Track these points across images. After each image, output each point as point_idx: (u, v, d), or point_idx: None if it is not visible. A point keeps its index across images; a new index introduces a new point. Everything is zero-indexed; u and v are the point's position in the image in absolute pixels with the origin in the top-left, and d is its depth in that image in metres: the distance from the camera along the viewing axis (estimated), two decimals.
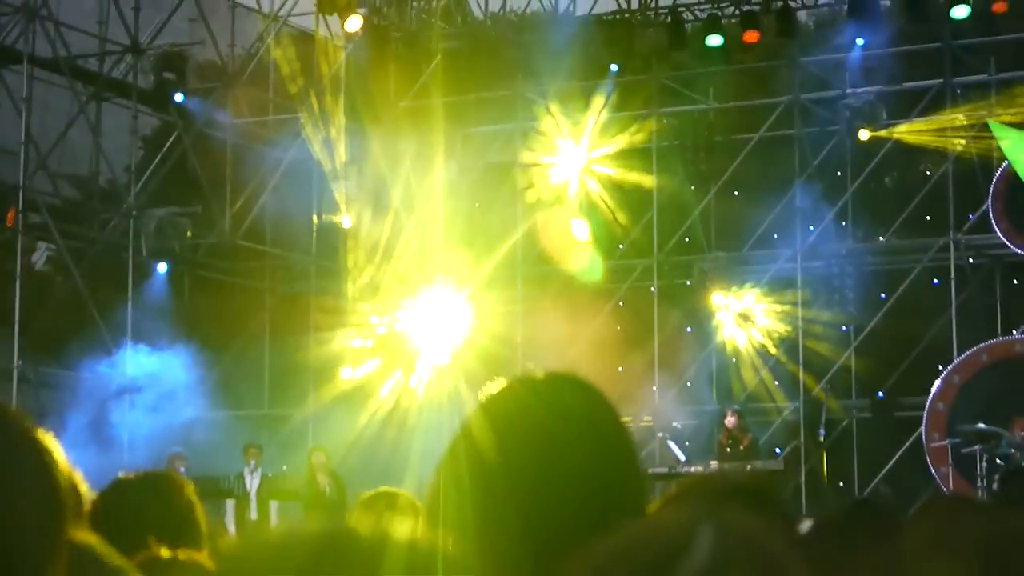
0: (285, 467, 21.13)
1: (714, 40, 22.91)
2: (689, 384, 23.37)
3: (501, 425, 2.27)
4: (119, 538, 2.58)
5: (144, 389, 21.10)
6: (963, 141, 21.80)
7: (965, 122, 21.93)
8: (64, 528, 1.68)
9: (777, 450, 21.78)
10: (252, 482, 19.87)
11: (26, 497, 1.63)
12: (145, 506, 3.62)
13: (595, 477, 2.23)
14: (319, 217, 24.33)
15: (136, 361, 21.24)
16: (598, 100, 23.79)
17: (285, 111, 24.19)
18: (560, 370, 2.39)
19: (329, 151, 23.79)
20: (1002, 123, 21.47)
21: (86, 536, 2.59)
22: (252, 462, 19.91)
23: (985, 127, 21.62)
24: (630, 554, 1.40)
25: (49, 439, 1.79)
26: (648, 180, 23.66)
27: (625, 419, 2.36)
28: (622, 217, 23.85)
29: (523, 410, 2.28)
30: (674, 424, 22.00)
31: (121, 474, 3.86)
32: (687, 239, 23.89)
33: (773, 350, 22.36)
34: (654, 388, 22.95)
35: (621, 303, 24.03)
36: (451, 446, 2.28)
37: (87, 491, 3.27)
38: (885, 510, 3.84)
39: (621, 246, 24.29)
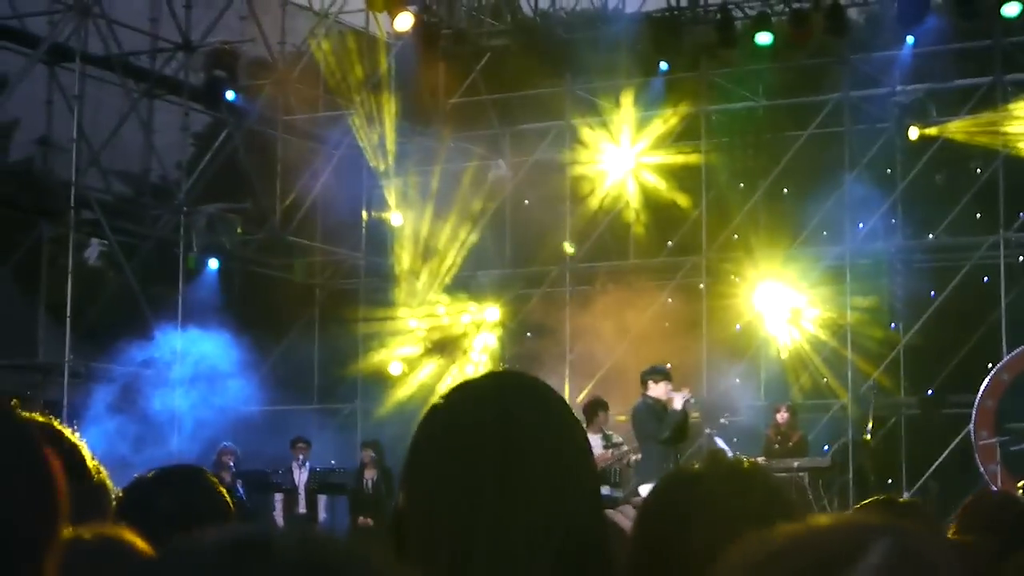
0: (333, 462, 21.23)
1: (763, 38, 22.86)
2: (738, 381, 23.34)
3: (453, 429, 2.29)
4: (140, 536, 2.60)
5: (178, 366, 21.10)
6: (1013, 138, 21.69)
7: (1015, 119, 21.81)
8: (55, 523, 1.65)
9: (825, 447, 21.72)
10: (300, 476, 20.00)
11: (10, 492, 1.61)
12: (160, 502, 3.61)
13: (549, 476, 2.24)
14: (368, 214, 24.43)
15: (183, 343, 21.33)
16: (647, 97, 23.79)
17: (335, 108, 24.30)
18: (509, 370, 2.40)
19: (378, 148, 23.89)
20: None
21: (116, 529, 2.60)
22: (300, 456, 20.05)
23: None
24: (794, 555, 1.39)
25: (66, 433, 1.77)
26: (697, 177, 23.66)
27: (573, 414, 2.37)
28: (670, 214, 23.84)
29: (474, 412, 2.29)
30: (722, 420, 21.95)
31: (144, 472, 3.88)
32: (736, 236, 23.87)
33: (821, 347, 22.31)
34: (703, 384, 22.91)
35: (670, 300, 24.03)
36: (408, 458, 2.31)
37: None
38: None
39: (670, 243, 24.30)
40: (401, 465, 2.21)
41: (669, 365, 17.46)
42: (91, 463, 3.08)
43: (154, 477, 3.76)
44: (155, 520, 3.35)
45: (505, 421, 2.26)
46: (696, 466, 2.68)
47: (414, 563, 2.21)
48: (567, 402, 2.42)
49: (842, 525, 1.42)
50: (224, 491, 3.76)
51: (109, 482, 3.16)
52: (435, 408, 2.33)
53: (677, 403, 16.55)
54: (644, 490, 15.45)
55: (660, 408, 16.57)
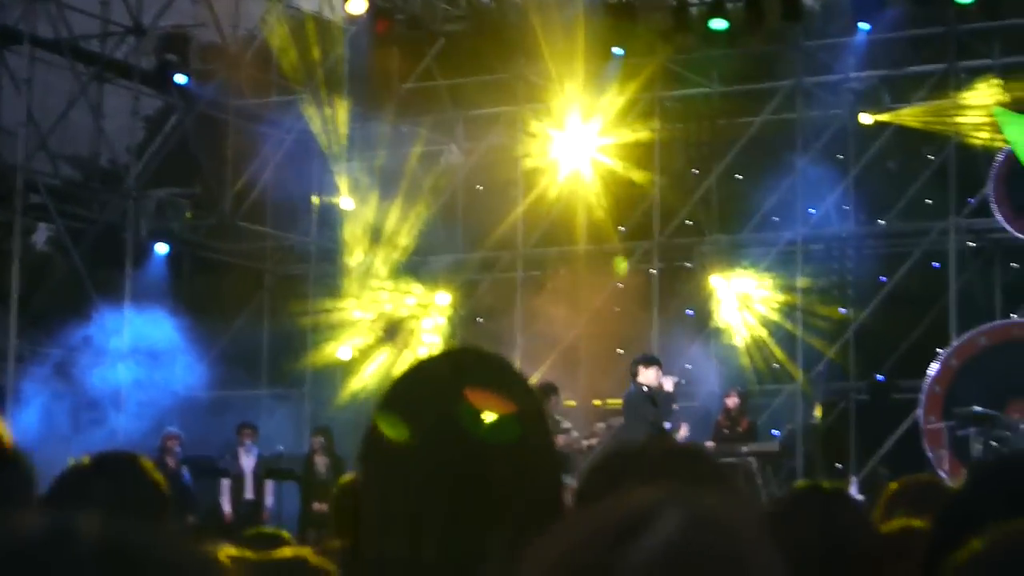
0: (281, 448, 21.18)
1: (718, 24, 22.89)
2: (689, 366, 23.34)
3: (408, 409, 2.26)
4: None
5: (118, 345, 21.02)
6: (965, 125, 21.73)
7: (968, 107, 21.84)
8: None
9: (775, 432, 21.73)
10: (247, 462, 19.94)
11: None
12: (95, 489, 3.58)
13: (508, 448, 2.22)
14: (320, 199, 24.36)
15: (130, 325, 21.25)
16: (601, 82, 23.75)
17: (287, 93, 24.22)
18: (465, 346, 2.39)
19: (330, 133, 23.82)
20: (1005, 108, 21.40)
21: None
22: (247, 442, 19.99)
23: (988, 112, 21.54)
24: (587, 528, 1.39)
25: None
26: (650, 162, 23.65)
27: (531, 388, 2.36)
28: (624, 199, 23.84)
29: (429, 391, 2.28)
30: (674, 406, 21.97)
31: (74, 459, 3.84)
32: (688, 221, 23.87)
33: (772, 332, 22.33)
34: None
35: (621, 285, 24.02)
36: (366, 435, 2.28)
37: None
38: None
39: (622, 228, 24.28)
40: (352, 451, 2.18)
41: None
42: (9, 446, 3.02)
43: (89, 464, 3.72)
44: (89, 508, 3.31)
45: (459, 398, 2.23)
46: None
47: (370, 542, 2.21)
48: (524, 375, 2.37)
49: (636, 498, 1.41)
50: (160, 478, 3.74)
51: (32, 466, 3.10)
52: (392, 386, 2.31)
53: (668, 386, 17.01)
54: None
55: (652, 393, 16.94)
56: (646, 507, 1.37)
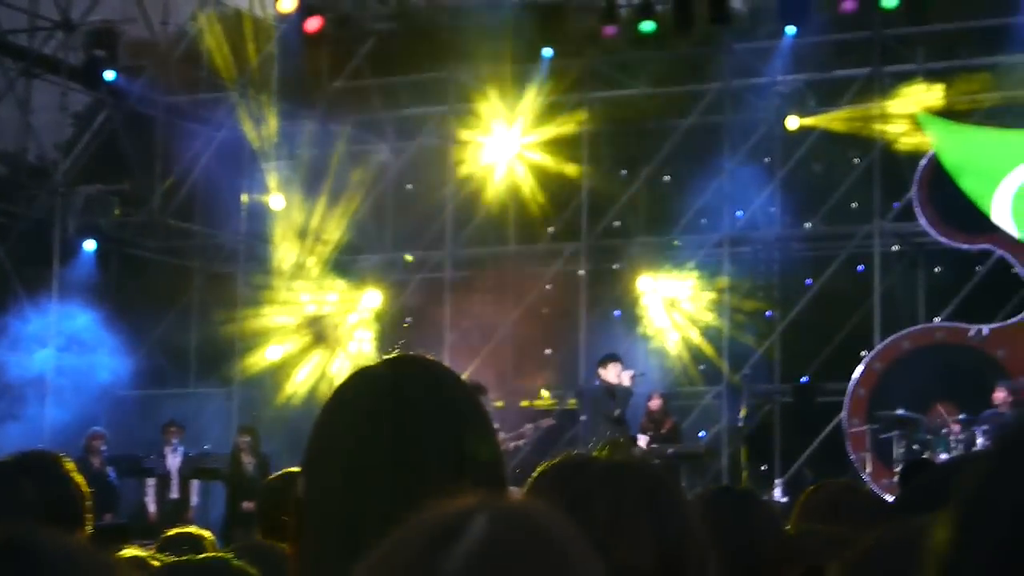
0: (208, 447, 21.12)
1: (647, 26, 23.02)
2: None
3: (352, 415, 2.30)
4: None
5: (43, 340, 20.90)
6: (890, 130, 21.93)
7: (893, 111, 22.04)
8: None
9: (700, 434, 21.89)
10: (173, 461, 19.87)
11: None
12: (20, 488, 3.59)
13: (448, 458, 2.25)
14: (249, 197, 24.29)
15: (55, 322, 21.12)
16: (531, 84, 23.81)
17: (217, 90, 24.11)
18: (407, 354, 2.40)
19: (260, 131, 23.76)
20: (929, 113, 21.61)
21: None
22: (173, 441, 19.91)
23: (912, 116, 21.75)
24: (405, 544, 1.41)
25: None
26: (578, 163, 23.73)
27: (472, 395, 2.38)
28: (551, 200, 23.92)
29: (373, 398, 2.30)
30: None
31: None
32: (616, 223, 23.98)
33: (699, 334, 22.47)
34: (581, 371, 23.04)
35: (549, 286, 24.09)
36: (309, 439, 2.32)
37: None
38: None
39: (551, 229, 24.36)
40: (279, 451, 2.22)
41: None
42: None
43: (12, 462, 3.74)
44: (11, 507, 3.34)
45: (399, 406, 2.26)
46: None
47: (312, 550, 2.23)
48: (465, 382, 2.41)
49: (448, 506, 1.44)
50: (81, 479, 3.74)
51: None
52: (334, 396, 2.34)
53: (626, 380, 17.67)
54: None
55: (611, 389, 17.64)
56: (458, 514, 1.40)
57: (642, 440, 18.35)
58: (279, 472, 5.24)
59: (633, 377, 17.87)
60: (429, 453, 2.24)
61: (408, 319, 23.65)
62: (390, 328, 23.27)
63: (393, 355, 2.40)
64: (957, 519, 1.07)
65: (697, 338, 22.53)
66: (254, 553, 3.52)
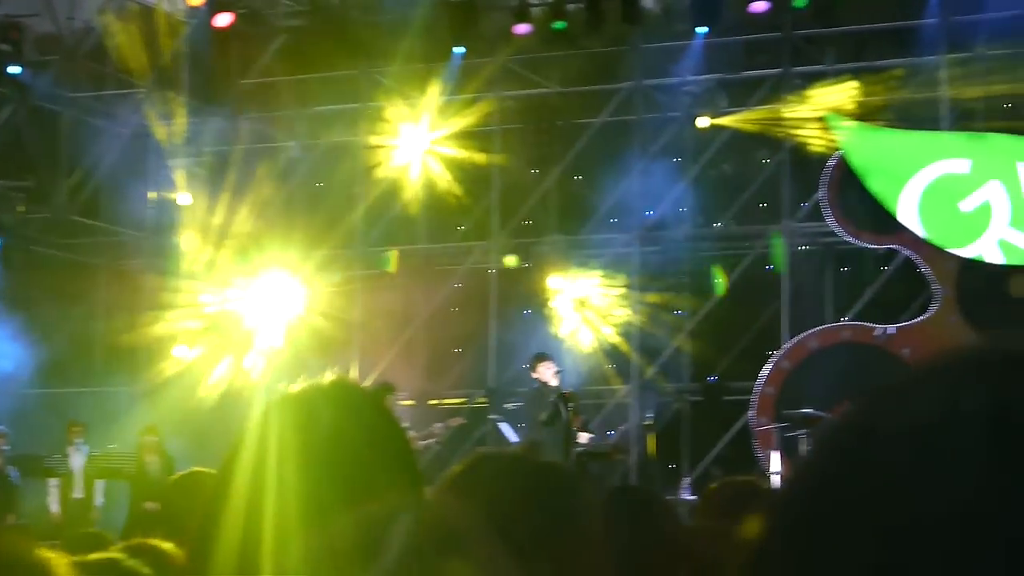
0: (113, 446, 20.92)
1: (558, 25, 23.07)
2: (525, 367, 23.43)
3: (266, 442, 2.27)
4: None
5: None
6: (799, 130, 22.03)
7: (802, 112, 22.15)
8: None
9: (610, 432, 21.92)
10: (76, 460, 19.66)
11: None
12: None
13: (374, 481, 2.22)
14: (157, 194, 24.09)
15: None
16: (442, 81, 23.77)
17: (125, 86, 23.91)
18: (342, 378, 2.39)
19: (168, 128, 23.58)
20: (838, 113, 21.74)
21: None
22: (77, 440, 19.71)
23: (821, 117, 21.87)
24: (333, 548, 1.42)
25: None
26: (490, 162, 23.71)
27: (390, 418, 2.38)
28: (463, 199, 23.90)
29: (305, 419, 2.29)
30: (507, 406, 22.08)
31: None
32: (527, 222, 23.97)
33: (609, 333, 22.49)
34: (490, 370, 23.03)
35: (459, 285, 24.06)
36: (234, 450, 2.30)
37: None
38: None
39: (461, 227, 24.33)
40: (184, 451, 2.16)
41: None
42: None
43: None
44: None
45: (311, 432, 2.26)
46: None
47: (228, 566, 2.22)
48: (384, 405, 2.39)
49: (376, 509, 1.47)
50: None
51: None
52: (260, 419, 2.32)
53: (552, 379, 17.46)
54: None
55: (545, 391, 17.40)
56: (383, 519, 1.43)
57: (583, 437, 18.27)
58: (185, 471, 5.17)
59: (557, 374, 17.65)
60: (335, 479, 2.23)
61: (319, 316, 23.49)
62: (300, 326, 23.11)
63: (314, 382, 2.39)
64: (767, 516, 1.08)
65: (607, 336, 22.54)
66: (146, 553, 3.49)
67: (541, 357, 17.99)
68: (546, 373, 17.54)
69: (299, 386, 2.38)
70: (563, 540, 2.48)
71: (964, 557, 0.94)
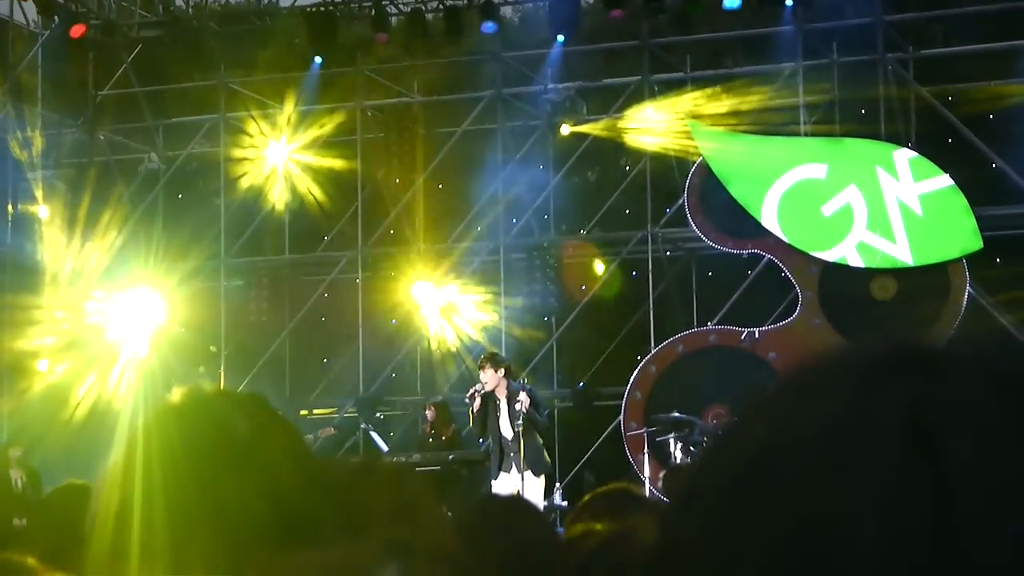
0: None
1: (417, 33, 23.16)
2: (394, 375, 23.43)
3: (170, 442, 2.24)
4: None
5: None
6: (660, 137, 22.25)
7: (663, 118, 22.36)
8: None
9: (480, 440, 21.92)
10: None
11: None
12: None
13: (269, 493, 2.19)
14: (14, 207, 23.68)
15: None
16: (302, 91, 23.67)
17: None
18: (198, 390, 2.36)
19: (24, 140, 23.20)
20: (697, 120, 21.99)
21: None
22: None
23: (681, 123, 22.09)
24: None
25: None
26: (353, 172, 23.66)
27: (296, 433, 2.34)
28: (327, 209, 23.82)
29: (192, 427, 2.26)
30: (378, 415, 22.04)
31: None
32: (392, 231, 23.92)
33: (477, 341, 22.52)
34: (359, 380, 22.96)
35: (326, 295, 23.95)
36: (119, 460, 2.25)
37: None
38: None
39: (326, 237, 24.23)
40: (50, 465, 2.12)
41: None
42: None
43: None
44: None
45: (200, 442, 2.22)
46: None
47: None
48: (272, 409, 2.35)
49: (356, 549, 1.39)
50: None
51: None
52: (143, 430, 2.27)
53: (474, 404, 16.81)
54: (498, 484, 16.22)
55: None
56: (365, 562, 1.36)
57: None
58: (60, 486, 5.07)
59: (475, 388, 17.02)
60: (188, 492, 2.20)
61: (182, 329, 23.25)
62: (163, 338, 22.85)
63: (189, 392, 2.36)
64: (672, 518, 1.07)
65: (474, 345, 22.57)
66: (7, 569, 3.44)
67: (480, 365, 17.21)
68: (486, 379, 16.98)
69: (177, 396, 2.34)
70: None
71: (885, 556, 0.93)
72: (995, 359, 1.03)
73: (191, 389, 2.33)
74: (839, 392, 1.00)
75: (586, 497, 5.22)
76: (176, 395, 2.34)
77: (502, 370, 16.92)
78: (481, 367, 17.00)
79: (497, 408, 16.74)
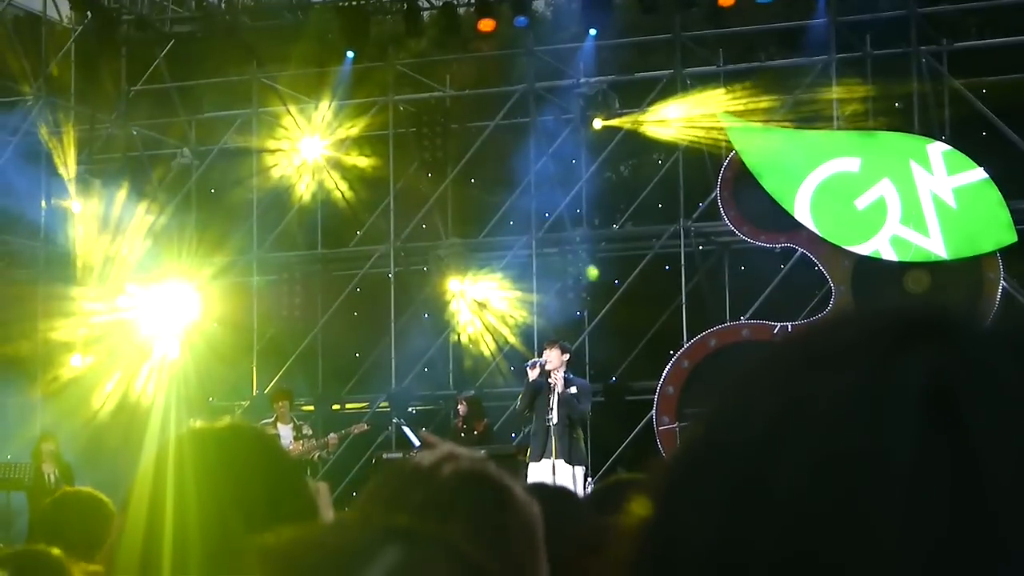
0: (9, 456, 20.61)
1: (450, 27, 23.14)
2: (427, 370, 23.43)
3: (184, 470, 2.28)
4: None
5: None
6: (693, 130, 22.18)
7: (695, 112, 22.30)
8: None
9: (513, 435, 21.92)
10: None
11: None
12: None
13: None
14: (48, 202, 23.78)
15: None
16: (334, 86, 23.70)
17: (12, 94, 23.57)
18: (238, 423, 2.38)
19: (58, 135, 23.30)
20: (730, 113, 21.92)
21: None
22: None
23: (714, 117, 22.02)
24: (302, 557, 1.34)
25: None
26: (385, 166, 23.67)
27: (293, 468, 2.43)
28: (359, 203, 23.85)
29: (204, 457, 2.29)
30: (410, 410, 22.05)
31: None
32: (424, 226, 23.93)
33: (509, 336, 22.51)
34: (391, 374, 22.97)
35: (359, 289, 23.98)
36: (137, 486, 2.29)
37: None
38: None
39: (358, 232, 24.26)
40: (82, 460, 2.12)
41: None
42: None
43: None
44: None
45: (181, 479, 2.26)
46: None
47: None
48: (274, 451, 2.41)
49: (355, 529, 1.40)
50: None
51: None
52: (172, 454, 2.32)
53: (531, 373, 16.69)
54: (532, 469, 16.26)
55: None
56: (363, 544, 1.35)
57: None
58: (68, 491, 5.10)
59: (529, 365, 16.97)
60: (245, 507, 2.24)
61: (216, 324, 23.30)
62: (197, 334, 22.89)
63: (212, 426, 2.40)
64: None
65: (508, 339, 22.57)
66: (29, 560, 3.45)
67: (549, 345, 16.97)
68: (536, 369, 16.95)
69: (208, 425, 2.39)
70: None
71: (907, 528, 0.92)
72: (1014, 328, 1.01)
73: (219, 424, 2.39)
74: (855, 361, 0.98)
75: (600, 485, 5.20)
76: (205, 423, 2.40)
77: (567, 355, 16.89)
78: (547, 346, 16.94)
79: (550, 390, 16.67)
